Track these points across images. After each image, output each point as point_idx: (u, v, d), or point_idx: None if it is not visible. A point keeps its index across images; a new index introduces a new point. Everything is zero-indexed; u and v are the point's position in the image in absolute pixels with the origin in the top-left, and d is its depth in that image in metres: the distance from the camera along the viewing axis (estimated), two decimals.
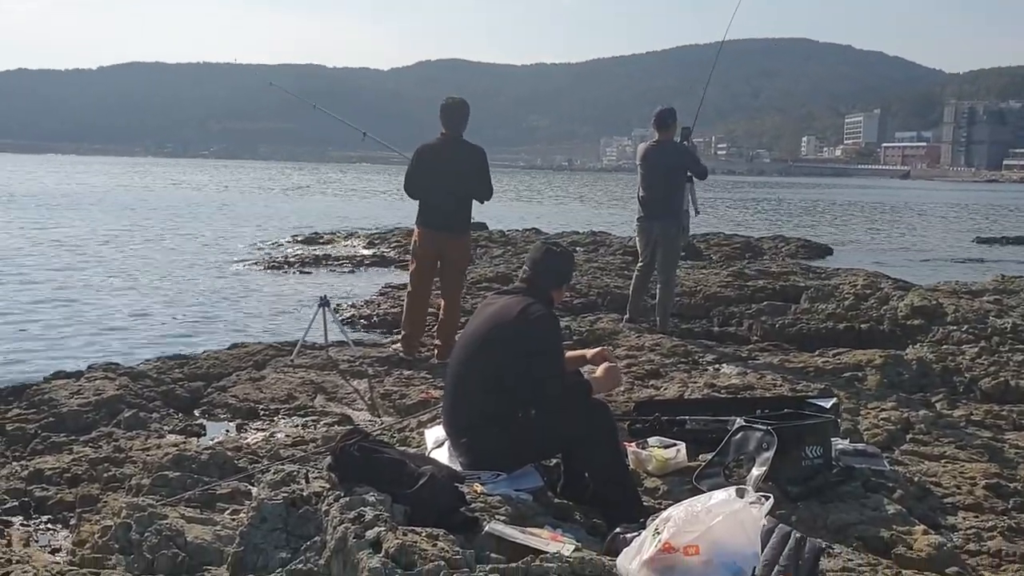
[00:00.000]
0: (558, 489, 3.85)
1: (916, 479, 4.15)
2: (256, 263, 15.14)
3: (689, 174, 8.35)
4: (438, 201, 6.90)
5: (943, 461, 4.63)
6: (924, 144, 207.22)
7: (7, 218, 23.49)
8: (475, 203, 7.03)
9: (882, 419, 5.24)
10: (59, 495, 4.35)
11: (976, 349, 6.97)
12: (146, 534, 3.21)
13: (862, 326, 8.41)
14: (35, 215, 24.99)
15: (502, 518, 3.28)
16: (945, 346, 7.32)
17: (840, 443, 4.27)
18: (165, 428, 5.45)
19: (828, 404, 4.72)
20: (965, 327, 7.84)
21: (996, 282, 10.74)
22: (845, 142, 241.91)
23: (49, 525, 4.12)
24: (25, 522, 4.13)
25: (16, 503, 4.28)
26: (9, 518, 4.14)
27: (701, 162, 8.60)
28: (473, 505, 3.35)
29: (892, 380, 6.35)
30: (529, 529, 3.19)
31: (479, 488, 3.54)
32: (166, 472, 4.17)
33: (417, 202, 7.04)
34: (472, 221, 7.24)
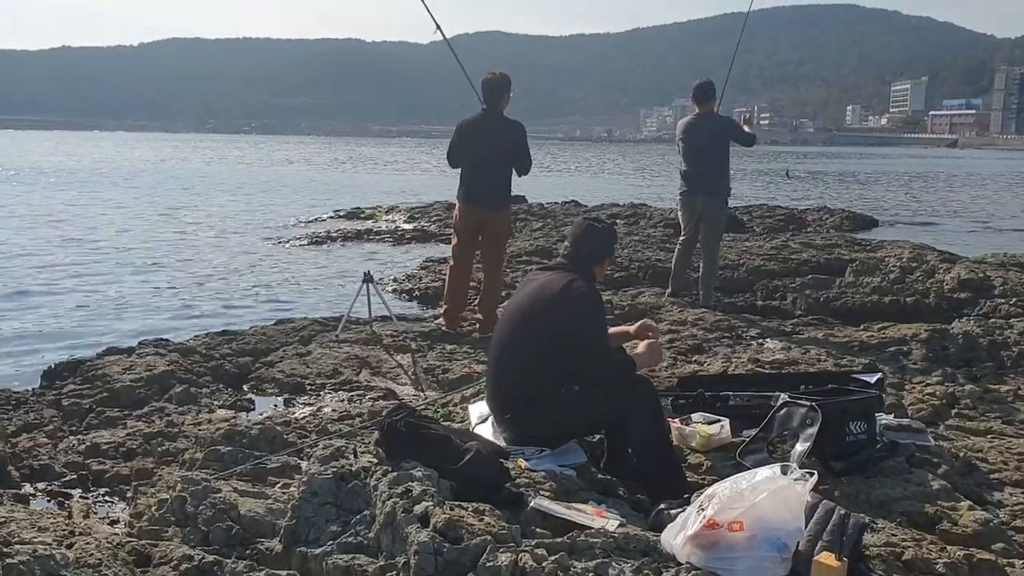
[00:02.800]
0: (602, 465, 3.89)
1: (961, 454, 4.12)
2: (300, 239, 15.30)
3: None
4: (478, 175, 6.97)
5: (989, 436, 4.59)
6: (973, 112, 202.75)
7: (74, 192, 23.96)
8: (514, 176, 7.07)
9: (927, 394, 5.20)
10: (115, 468, 4.49)
11: None
12: (201, 507, 3.31)
13: (907, 300, 8.32)
14: (104, 191, 25.45)
15: (547, 493, 3.33)
16: (992, 320, 7.22)
17: (885, 418, 4.25)
18: (215, 403, 5.57)
19: (873, 379, 4.70)
20: (1013, 300, 7.72)
21: None
22: (891, 111, 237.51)
23: (107, 498, 4.25)
24: (84, 495, 4.27)
25: (75, 476, 4.42)
26: (69, 490, 4.28)
27: (745, 129, 8.51)
28: (518, 481, 3.41)
29: (938, 354, 6.28)
30: (574, 504, 3.24)
31: (523, 464, 3.59)
32: (218, 447, 4.27)
33: (458, 177, 7.10)
34: (511, 195, 7.28)
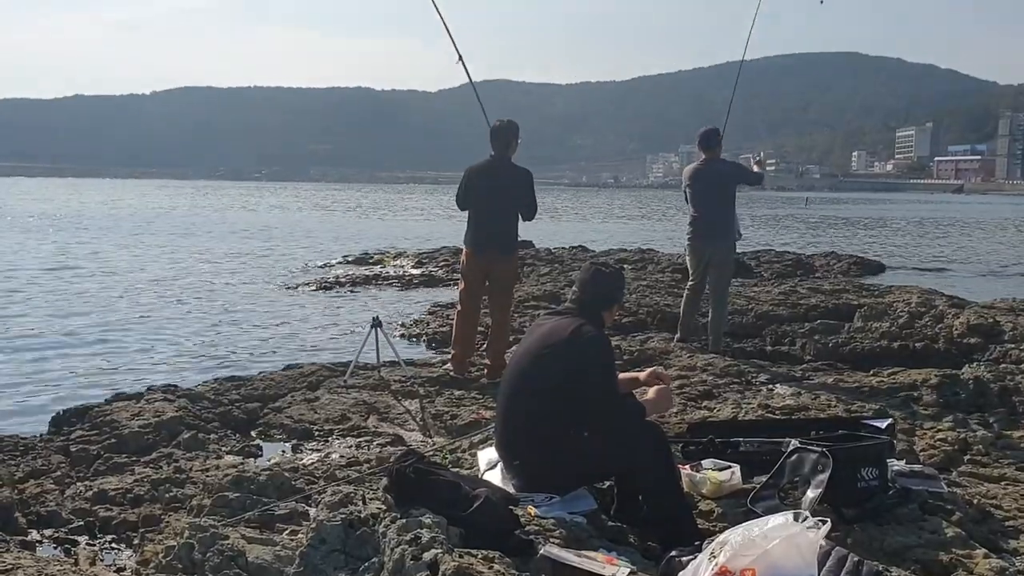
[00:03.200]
0: (612, 512, 3.86)
1: (975, 501, 4.08)
2: (309, 284, 15.35)
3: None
4: (486, 221, 7.03)
5: (1003, 483, 4.54)
6: (978, 158, 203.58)
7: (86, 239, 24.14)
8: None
9: (939, 440, 5.16)
10: (122, 515, 4.46)
11: None
12: (208, 554, 3.28)
13: (917, 345, 8.29)
14: (121, 236, 25.64)
15: (557, 541, 3.30)
16: (1003, 365, 7.18)
17: (896, 464, 4.22)
18: (223, 449, 5.55)
19: (883, 425, 4.66)
20: (1023, 345, 7.69)
21: None
22: (896, 156, 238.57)
23: (114, 544, 4.22)
24: (91, 541, 4.24)
25: (82, 523, 4.40)
26: (76, 537, 4.26)
27: (754, 169, 8.60)
28: (528, 528, 3.38)
29: (948, 400, 6.25)
30: (584, 552, 3.20)
31: (533, 511, 3.56)
32: (226, 493, 4.25)
33: (466, 222, 7.15)
34: (519, 240, 7.33)
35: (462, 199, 7.14)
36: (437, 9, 7.98)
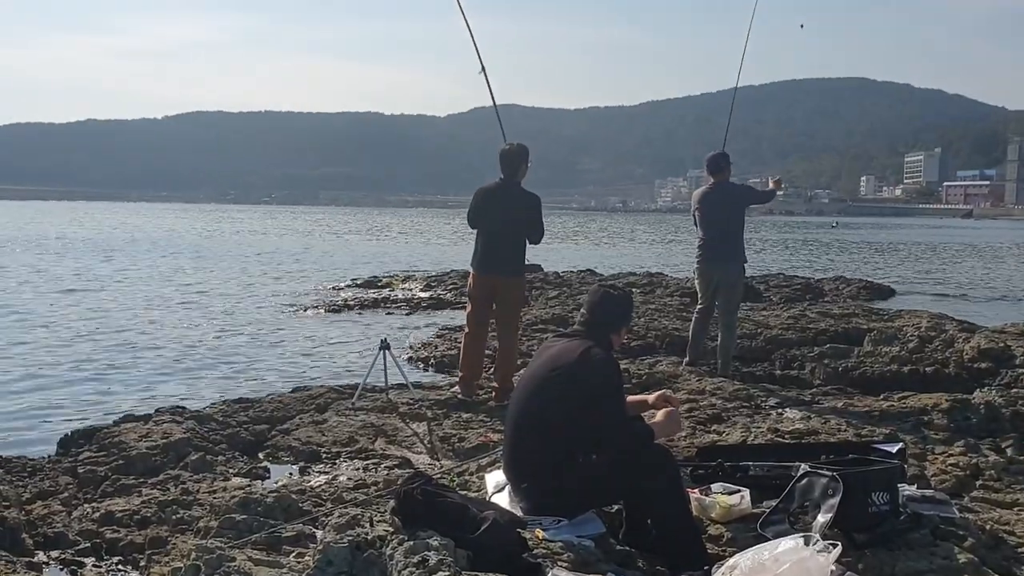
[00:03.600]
0: (620, 535, 3.83)
1: (988, 527, 4.04)
2: (317, 307, 15.38)
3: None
4: (493, 244, 7.07)
5: (1016, 509, 4.50)
6: (987, 183, 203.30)
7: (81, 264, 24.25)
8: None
9: (950, 465, 5.12)
10: (129, 537, 4.45)
11: None
12: None
13: (927, 369, 8.24)
14: (133, 260, 25.76)
15: (565, 564, 3.28)
16: (1015, 389, 7.13)
17: (907, 489, 4.18)
18: (230, 471, 5.54)
19: (894, 449, 4.63)
20: None
21: None
22: (905, 181, 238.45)
23: (120, 567, 4.21)
24: (97, 563, 4.23)
25: (88, 544, 4.39)
26: (83, 559, 4.25)
27: (769, 187, 8.65)
28: (535, 551, 3.36)
29: (960, 425, 6.20)
30: None
31: (541, 534, 3.54)
32: (233, 515, 4.23)
33: (473, 244, 7.18)
34: (526, 263, 7.35)
35: (472, 218, 7.19)
36: (464, 15, 8.01)
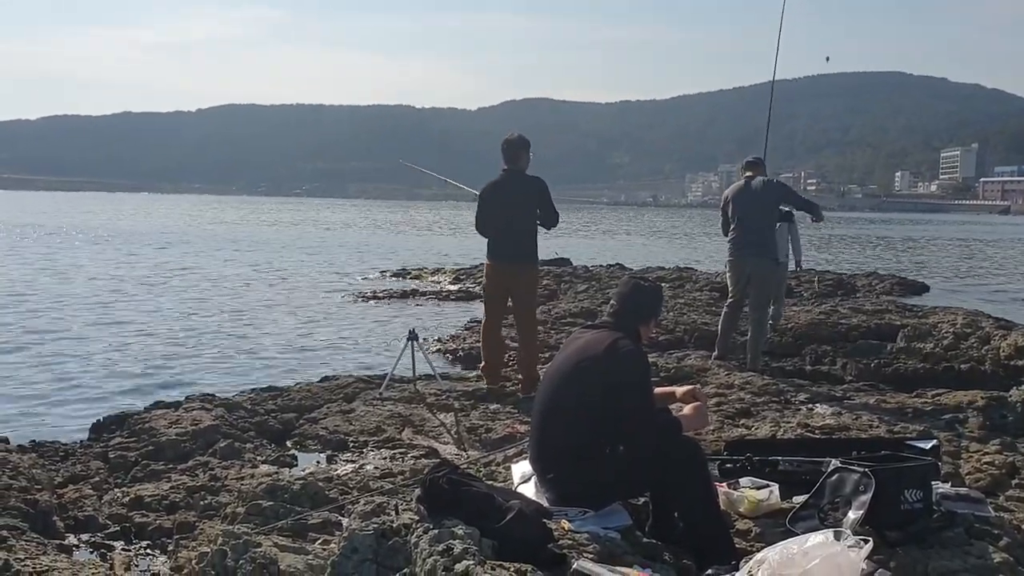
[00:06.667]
0: (647, 528, 3.79)
1: None
2: (347, 297, 15.45)
3: (788, 213, 8.44)
4: (503, 233, 7.10)
5: None
6: None
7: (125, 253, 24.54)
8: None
9: (985, 463, 5.03)
10: (158, 521, 4.49)
11: None
12: (241, 561, 3.28)
13: (962, 366, 8.11)
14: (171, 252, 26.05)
15: (590, 556, 3.25)
16: None
17: (941, 487, 4.10)
18: (259, 458, 5.57)
19: (928, 446, 4.55)
20: None
21: None
22: (941, 177, 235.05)
23: (148, 550, 4.25)
24: (126, 547, 4.27)
25: (118, 528, 4.43)
26: (112, 542, 4.29)
27: (796, 191, 8.60)
28: (561, 542, 3.33)
29: (995, 423, 6.08)
30: (618, 568, 3.15)
31: (567, 525, 3.51)
32: (260, 501, 4.25)
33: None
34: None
35: (480, 220, 7.24)
36: None
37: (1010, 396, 6.49)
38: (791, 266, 9.58)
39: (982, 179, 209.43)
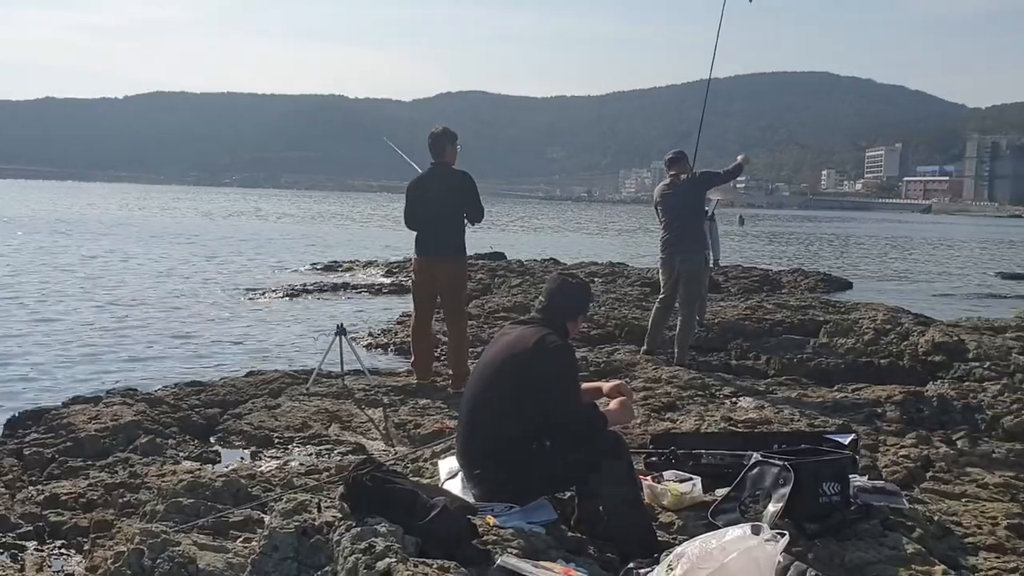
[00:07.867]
0: (571, 522, 3.82)
1: (936, 518, 4.08)
2: (274, 291, 15.21)
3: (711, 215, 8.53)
4: (430, 228, 7.08)
5: (964, 500, 4.55)
6: (946, 178, 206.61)
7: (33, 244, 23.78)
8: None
9: (902, 456, 5.17)
10: (74, 520, 4.35)
11: (998, 386, 6.86)
12: (158, 560, 3.20)
13: (882, 361, 8.33)
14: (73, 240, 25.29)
15: (514, 551, 3.25)
16: (966, 383, 7.24)
17: (858, 480, 4.21)
18: (180, 454, 5.45)
19: (846, 440, 4.66)
20: (987, 364, 7.75)
21: (1019, 318, 10.62)
22: (866, 176, 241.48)
23: (63, 551, 4.11)
24: (39, 547, 4.13)
25: (31, 527, 4.28)
26: (24, 543, 4.14)
27: (716, 169, 8.65)
28: (485, 537, 3.33)
29: (912, 417, 6.27)
30: (542, 563, 3.16)
31: (492, 520, 3.51)
32: (180, 499, 4.15)
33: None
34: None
35: (408, 218, 7.19)
36: None
37: (926, 391, 6.70)
38: (709, 263, 9.75)
39: (905, 178, 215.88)
